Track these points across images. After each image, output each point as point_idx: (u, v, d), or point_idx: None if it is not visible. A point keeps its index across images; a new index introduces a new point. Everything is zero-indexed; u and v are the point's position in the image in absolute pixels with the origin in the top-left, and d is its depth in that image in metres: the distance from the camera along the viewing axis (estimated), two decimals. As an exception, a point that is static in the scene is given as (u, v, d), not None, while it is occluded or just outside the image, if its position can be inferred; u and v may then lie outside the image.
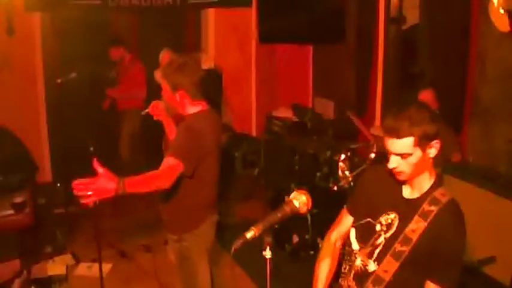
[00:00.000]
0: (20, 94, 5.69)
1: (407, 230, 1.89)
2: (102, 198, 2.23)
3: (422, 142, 1.82)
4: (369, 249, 1.98)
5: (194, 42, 6.89)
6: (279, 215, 1.83)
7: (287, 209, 1.85)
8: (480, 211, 3.67)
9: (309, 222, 4.30)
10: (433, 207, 1.88)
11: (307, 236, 4.35)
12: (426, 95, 4.30)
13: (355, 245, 2.04)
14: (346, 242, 2.10)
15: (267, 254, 1.78)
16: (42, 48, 5.81)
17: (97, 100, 6.13)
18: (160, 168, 2.59)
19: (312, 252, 4.31)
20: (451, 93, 4.62)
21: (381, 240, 1.95)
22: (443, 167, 4.06)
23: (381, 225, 1.97)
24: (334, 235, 2.22)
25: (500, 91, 4.25)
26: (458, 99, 4.61)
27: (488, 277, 3.75)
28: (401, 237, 1.90)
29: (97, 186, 2.20)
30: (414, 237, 1.87)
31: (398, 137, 1.81)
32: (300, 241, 4.37)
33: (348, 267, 2.08)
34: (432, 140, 1.84)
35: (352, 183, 3.98)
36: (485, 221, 3.67)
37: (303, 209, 1.87)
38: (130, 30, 7.12)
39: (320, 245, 4.20)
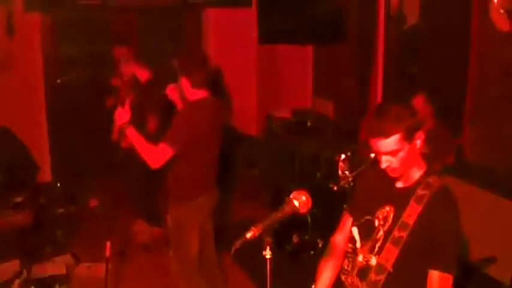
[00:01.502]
0: (20, 94, 5.68)
1: (404, 215, 1.94)
2: (116, 122, 3.12)
3: (408, 135, 1.89)
4: (369, 244, 2.01)
5: (194, 42, 6.89)
6: (279, 215, 1.83)
7: (287, 209, 1.85)
8: (480, 211, 3.67)
9: (309, 222, 4.30)
10: (426, 191, 1.93)
11: (307, 236, 4.35)
12: (417, 102, 4.29)
13: (359, 243, 2.07)
14: (350, 240, 2.13)
15: (267, 254, 1.78)
16: (42, 48, 5.81)
17: (97, 100, 6.12)
18: (157, 148, 3.10)
19: (312, 252, 4.31)
20: (451, 93, 4.62)
21: (380, 234, 1.98)
22: (443, 167, 4.07)
23: (379, 219, 2.02)
24: (339, 238, 2.25)
25: (500, 91, 4.24)
26: (458, 99, 4.60)
27: (488, 277, 3.74)
28: (398, 223, 1.94)
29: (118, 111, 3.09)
30: (411, 222, 1.92)
31: (386, 136, 1.88)
32: (300, 241, 4.37)
33: (350, 265, 2.10)
34: (417, 131, 1.92)
35: (352, 183, 3.98)
36: (485, 221, 3.67)
37: (303, 209, 1.87)
38: (131, 30, 7.11)
39: (320, 245, 4.26)
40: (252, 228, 1.76)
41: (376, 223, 2.01)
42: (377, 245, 1.98)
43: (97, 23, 6.35)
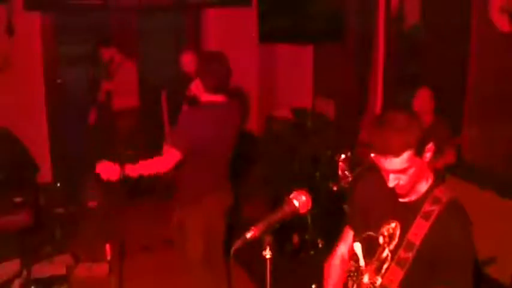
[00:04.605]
0: (20, 94, 5.69)
1: (409, 234, 1.79)
2: (110, 177, 2.84)
3: (419, 150, 1.71)
4: (375, 264, 1.89)
5: (194, 42, 6.89)
6: (279, 215, 1.81)
7: (287, 209, 1.83)
8: (480, 211, 3.66)
9: (309, 222, 4.30)
10: (434, 207, 1.77)
11: (307, 236, 4.35)
12: (422, 94, 4.27)
13: (362, 262, 1.95)
14: (352, 257, 2.01)
15: (267, 254, 1.77)
16: (42, 48, 5.82)
17: (96, 100, 6.13)
18: (162, 157, 3.12)
19: (312, 252, 4.31)
20: (451, 93, 4.62)
21: (386, 253, 1.86)
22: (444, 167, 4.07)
23: (384, 237, 1.88)
24: (341, 250, 2.13)
25: (500, 91, 4.24)
26: (458, 99, 4.60)
27: (488, 277, 3.74)
28: (404, 243, 1.80)
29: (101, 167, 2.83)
30: (417, 241, 1.76)
31: (396, 155, 1.69)
32: (300, 241, 4.37)
33: (355, 285, 1.98)
34: (427, 143, 1.74)
35: (352, 184, 3.98)
36: (485, 221, 3.65)
37: (303, 209, 1.85)
38: (131, 30, 7.11)
39: (320, 245, 4.26)
40: (252, 228, 1.74)
41: (381, 240, 1.88)
42: (384, 266, 1.84)
43: (97, 23, 6.36)
